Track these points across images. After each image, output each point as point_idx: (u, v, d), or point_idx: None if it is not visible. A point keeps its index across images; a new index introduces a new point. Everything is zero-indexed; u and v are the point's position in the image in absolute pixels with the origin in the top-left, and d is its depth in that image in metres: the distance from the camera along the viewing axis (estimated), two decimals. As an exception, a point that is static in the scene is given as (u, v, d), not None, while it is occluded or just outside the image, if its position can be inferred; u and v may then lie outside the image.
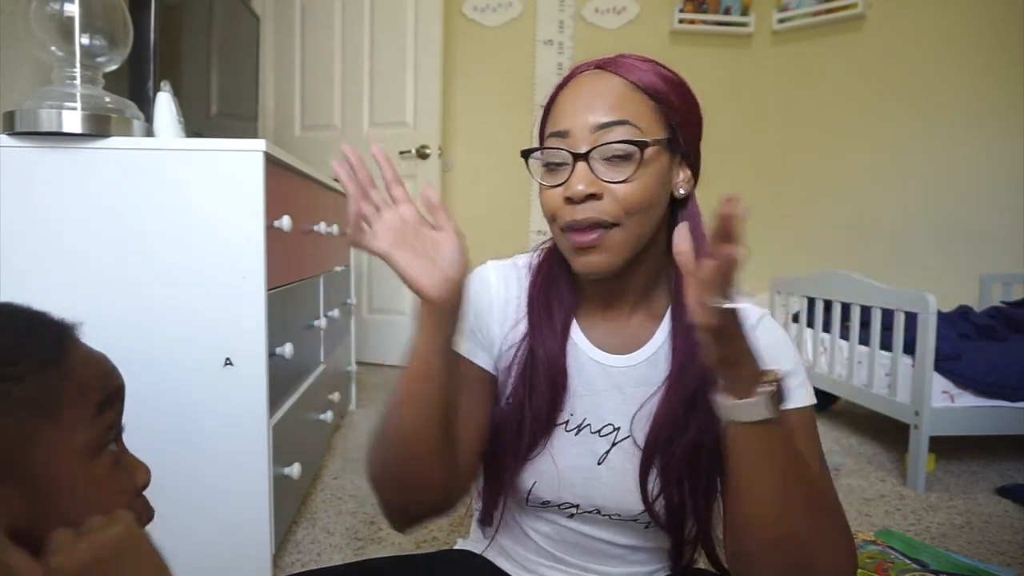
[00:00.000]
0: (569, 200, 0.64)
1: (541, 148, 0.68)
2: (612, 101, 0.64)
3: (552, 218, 0.67)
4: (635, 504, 0.69)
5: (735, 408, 0.56)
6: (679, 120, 0.67)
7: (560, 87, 0.69)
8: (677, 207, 0.70)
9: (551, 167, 0.67)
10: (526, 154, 0.69)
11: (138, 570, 0.37)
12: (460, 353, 0.72)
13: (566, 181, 0.64)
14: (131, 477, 0.45)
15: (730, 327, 0.52)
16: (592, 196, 0.63)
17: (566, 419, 0.71)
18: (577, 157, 0.64)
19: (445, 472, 0.66)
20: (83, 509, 0.39)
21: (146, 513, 0.45)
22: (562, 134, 0.65)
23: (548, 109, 0.69)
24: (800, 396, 0.67)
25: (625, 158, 0.63)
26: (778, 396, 0.56)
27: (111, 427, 0.43)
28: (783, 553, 0.59)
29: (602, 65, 0.67)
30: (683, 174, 0.69)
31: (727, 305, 0.51)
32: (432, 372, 0.62)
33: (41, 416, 0.38)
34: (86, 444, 0.40)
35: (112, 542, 0.36)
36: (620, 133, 0.63)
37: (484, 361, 0.73)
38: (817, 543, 0.59)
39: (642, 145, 0.63)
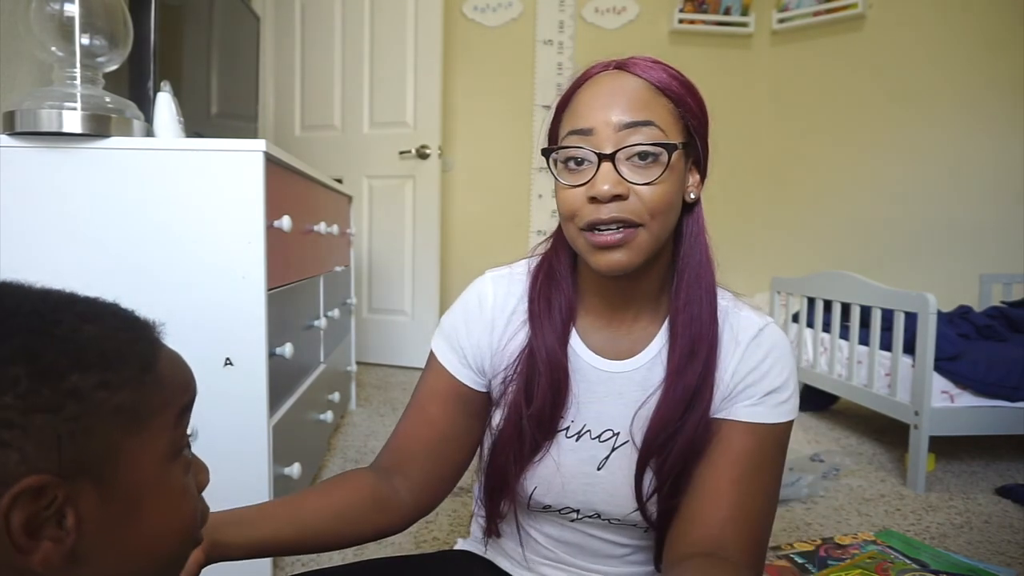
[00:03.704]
0: (593, 199, 0.62)
1: (561, 147, 0.65)
2: (637, 102, 0.63)
3: (571, 217, 0.65)
4: (633, 508, 0.69)
5: None
6: (695, 123, 0.66)
7: (578, 85, 0.67)
8: (684, 212, 0.69)
9: (571, 166, 0.65)
10: (547, 152, 0.67)
11: None
12: (447, 368, 0.74)
13: (589, 180, 0.62)
14: (196, 479, 0.44)
15: None
16: (618, 196, 0.62)
17: (567, 425, 0.71)
18: (603, 157, 0.62)
19: (389, 519, 0.72)
20: (160, 513, 0.39)
21: (207, 514, 0.44)
22: (584, 132, 0.63)
23: (564, 106, 0.68)
24: (781, 412, 0.68)
25: (651, 160, 0.62)
26: None
27: (187, 432, 0.43)
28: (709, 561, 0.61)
29: (620, 65, 0.66)
30: (693, 178, 0.68)
31: None
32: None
33: (131, 424, 0.37)
34: (167, 450, 0.40)
35: None
36: (645, 134, 0.62)
37: (470, 380, 0.75)
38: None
39: (670, 148, 0.62)
